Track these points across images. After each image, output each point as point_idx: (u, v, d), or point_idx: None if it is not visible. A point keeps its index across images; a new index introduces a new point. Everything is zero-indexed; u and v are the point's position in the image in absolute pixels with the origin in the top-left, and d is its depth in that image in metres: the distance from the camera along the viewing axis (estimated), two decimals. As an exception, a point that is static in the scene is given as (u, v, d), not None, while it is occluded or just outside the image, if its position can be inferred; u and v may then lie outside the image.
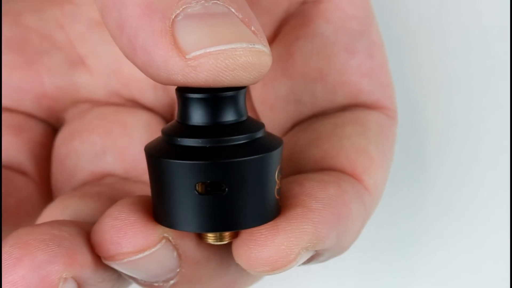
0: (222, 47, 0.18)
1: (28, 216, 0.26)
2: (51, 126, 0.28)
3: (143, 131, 0.26)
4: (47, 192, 0.27)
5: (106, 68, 0.27)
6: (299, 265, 0.21)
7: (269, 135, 0.20)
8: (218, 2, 0.19)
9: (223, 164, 0.18)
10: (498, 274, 0.32)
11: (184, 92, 0.19)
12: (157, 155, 0.19)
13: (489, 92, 0.31)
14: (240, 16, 0.19)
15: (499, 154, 0.31)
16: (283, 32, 0.25)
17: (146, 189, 0.21)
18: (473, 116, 0.31)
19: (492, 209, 0.32)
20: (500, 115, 0.31)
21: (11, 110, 0.27)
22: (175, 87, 0.20)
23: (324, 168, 0.23)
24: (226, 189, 0.19)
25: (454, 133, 0.31)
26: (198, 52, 0.18)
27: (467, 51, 0.31)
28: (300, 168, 0.23)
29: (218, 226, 0.19)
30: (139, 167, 0.26)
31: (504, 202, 0.31)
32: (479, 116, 0.31)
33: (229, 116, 0.19)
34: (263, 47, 0.19)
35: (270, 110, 0.25)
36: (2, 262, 0.19)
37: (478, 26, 0.30)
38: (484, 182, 0.32)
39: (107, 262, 0.20)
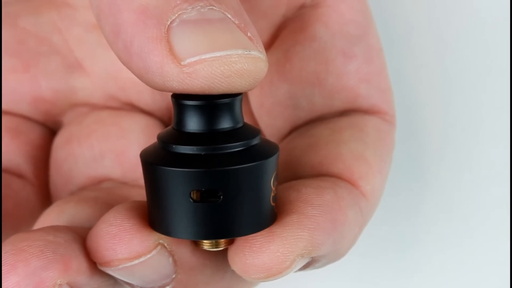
0: (218, 54, 0.18)
1: (26, 219, 0.26)
2: (49, 129, 0.28)
3: (140, 135, 0.26)
4: (45, 195, 0.27)
5: (103, 72, 0.27)
6: (295, 272, 0.21)
7: (265, 142, 0.20)
8: (214, 7, 0.18)
9: (218, 172, 0.18)
10: (498, 274, 0.32)
11: (179, 99, 0.19)
12: (152, 162, 0.19)
13: (489, 94, 0.31)
14: (237, 22, 0.19)
15: (499, 156, 0.31)
16: (281, 36, 0.25)
17: (143, 193, 0.21)
18: (472, 118, 0.31)
19: (492, 210, 0.32)
20: (500, 117, 0.31)
21: (8, 113, 0.27)
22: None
23: (321, 174, 0.22)
24: (221, 196, 0.19)
25: (454, 136, 0.31)
26: (193, 59, 0.18)
27: (466, 54, 0.30)
28: (297, 174, 0.23)
29: (213, 234, 0.19)
30: (137, 171, 0.26)
31: (504, 202, 0.31)
32: (478, 119, 0.31)
33: (225, 123, 0.19)
34: (259, 54, 0.18)
35: (268, 114, 0.25)
36: None
37: (477, 30, 0.30)
38: (484, 184, 0.31)
39: (102, 268, 0.20)
